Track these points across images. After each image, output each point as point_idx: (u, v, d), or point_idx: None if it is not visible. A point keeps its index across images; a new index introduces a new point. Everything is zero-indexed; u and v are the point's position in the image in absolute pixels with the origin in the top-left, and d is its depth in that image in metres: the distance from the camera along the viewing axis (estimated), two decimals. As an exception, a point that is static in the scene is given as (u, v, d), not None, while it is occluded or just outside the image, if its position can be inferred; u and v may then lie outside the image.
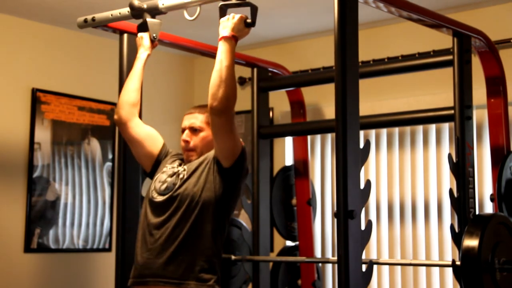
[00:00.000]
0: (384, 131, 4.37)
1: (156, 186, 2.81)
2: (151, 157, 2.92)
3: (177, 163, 2.88)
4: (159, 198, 2.76)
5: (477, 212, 3.03)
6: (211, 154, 2.78)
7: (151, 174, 2.93)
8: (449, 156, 3.02)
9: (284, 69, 4.10)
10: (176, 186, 2.74)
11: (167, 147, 2.97)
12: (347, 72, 2.45)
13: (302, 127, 4.10)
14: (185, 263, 2.65)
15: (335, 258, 2.75)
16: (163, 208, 2.73)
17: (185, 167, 2.81)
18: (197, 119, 2.85)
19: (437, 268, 4.05)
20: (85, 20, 3.10)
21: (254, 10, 2.69)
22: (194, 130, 2.85)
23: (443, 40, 3.51)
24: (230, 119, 2.63)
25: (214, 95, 2.59)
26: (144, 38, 2.97)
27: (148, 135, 2.92)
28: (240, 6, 2.70)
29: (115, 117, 2.95)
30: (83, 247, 4.58)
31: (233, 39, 2.65)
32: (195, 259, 2.65)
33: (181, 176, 2.77)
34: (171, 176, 2.80)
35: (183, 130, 2.88)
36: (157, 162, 2.92)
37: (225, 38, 2.65)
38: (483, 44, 3.23)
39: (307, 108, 4.22)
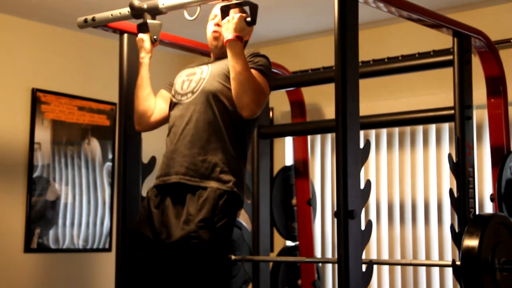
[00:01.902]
0: (384, 131, 4.37)
1: (176, 89, 2.84)
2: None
3: (191, 67, 2.90)
4: (183, 98, 2.79)
5: (477, 212, 3.02)
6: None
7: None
8: (449, 156, 3.02)
9: (284, 69, 4.10)
10: (199, 84, 2.77)
11: (168, 83, 2.98)
12: (347, 72, 2.45)
13: (302, 127, 4.10)
14: (206, 163, 2.68)
15: (335, 258, 2.76)
16: (186, 107, 2.76)
17: (209, 65, 2.83)
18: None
19: (437, 268, 4.05)
20: (85, 20, 3.10)
21: (253, 8, 2.69)
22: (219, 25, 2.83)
23: (443, 40, 3.51)
24: (261, 108, 2.70)
25: (240, 105, 2.66)
26: (145, 41, 2.96)
27: (165, 104, 2.94)
28: (240, 6, 2.71)
29: (137, 128, 2.99)
30: (83, 247, 4.58)
31: (238, 40, 2.66)
32: (215, 160, 2.68)
33: (203, 75, 2.80)
34: (190, 75, 2.84)
35: (213, 18, 2.88)
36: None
37: (229, 42, 2.66)
38: (483, 44, 3.23)
39: (307, 108, 4.22)
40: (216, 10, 2.88)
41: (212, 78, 2.76)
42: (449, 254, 4.02)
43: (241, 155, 2.77)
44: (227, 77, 2.73)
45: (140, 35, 2.98)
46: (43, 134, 4.44)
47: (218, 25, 2.84)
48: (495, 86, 3.40)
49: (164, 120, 2.95)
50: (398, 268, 4.21)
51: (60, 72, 4.60)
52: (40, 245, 4.37)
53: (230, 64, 2.65)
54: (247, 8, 2.71)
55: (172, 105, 2.85)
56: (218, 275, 2.63)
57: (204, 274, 2.60)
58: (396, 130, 4.32)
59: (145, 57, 2.97)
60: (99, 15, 3.07)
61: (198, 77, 2.80)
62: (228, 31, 2.67)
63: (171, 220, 2.66)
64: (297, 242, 4.11)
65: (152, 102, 2.94)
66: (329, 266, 4.49)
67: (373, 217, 4.35)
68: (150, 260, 2.70)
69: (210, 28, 2.88)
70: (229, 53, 2.66)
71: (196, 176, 2.67)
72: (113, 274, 3.13)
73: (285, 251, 4.16)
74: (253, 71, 2.68)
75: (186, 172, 2.69)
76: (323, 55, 4.55)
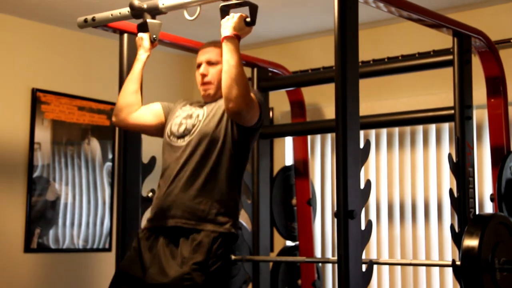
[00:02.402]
0: (384, 131, 4.37)
1: (172, 130, 2.83)
2: (161, 125, 2.93)
3: (189, 105, 2.89)
4: (179, 142, 2.78)
5: (477, 212, 3.03)
6: None
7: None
8: (449, 156, 3.02)
9: (284, 69, 4.10)
10: (195, 128, 2.77)
11: (167, 105, 2.97)
12: (347, 72, 2.45)
13: (302, 127, 4.10)
14: (203, 205, 2.67)
15: (335, 258, 2.75)
16: (182, 150, 2.75)
17: (204, 108, 2.82)
18: (213, 53, 2.84)
19: (437, 268, 4.05)
20: (85, 20, 3.10)
21: (253, 9, 2.70)
22: (210, 64, 2.84)
23: (443, 40, 3.51)
24: (248, 111, 2.65)
25: (228, 97, 2.61)
26: (144, 39, 2.97)
27: (151, 115, 2.93)
28: (240, 6, 2.71)
29: (113, 119, 2.95)
30: (83, 247, 4.58)
31: (235, 38, 2.66)
32: (212, 202, 2.68)
33: (199, 117, 2.79)
34: (186, 118, 2.82)
35: (198, 66, 2.86)
36: (168, 122, 2.93)
37: (227, 38, 2.66)
38: (483, 44, 3.23)
39: (307, 108, 4.22)
40: (201, 57, 2.86)
41: (208, 121, 2.76)
42: (449, 254, 4.02)
43: (238, 190, 2.76)
44: (222, 118, 2.73)
45: (140, 35, 2.98)
46: (43, 134, 4.43)
47: (205, 75, 2.83)
48: (495, 86, 3.40)
49: (141, 127, 2.93)
50: (398, 268, 4.21)
51: (60, 72, 4.60)
52: (40, 245, 4.37)
53: (225, 58, 2.64)
54: (246, 9, 2.72)
55: (166, 147, 2.83)
56: None
57: None
58: (396, 130, 4.32)
59: (142, 54, 2.97)
60: (99, 15, 3.07)
61: (194, 120, 2.79)
62: (227, 29, 2.67)
63: (164, 261, 2.65)
64: (297, 242, 4.11)
65: (136, 100, 2.92)
66: (329, 266, 4.49)
67: (373, 217, 4.35)
68: None
69: (198, 78, 2.86)
70: (224, 48, 2.65)
71: (192, 219, 2.67)
72: (113, 274, 3.12)
73: (285, 251, 4.16)
74: None
75: (183, 215, 2.68)
76: (323, 55, 4.55)
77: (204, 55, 2.85)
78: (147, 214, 2.86)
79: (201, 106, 2.86)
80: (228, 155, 2.72)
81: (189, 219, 2.67)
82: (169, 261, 2.64)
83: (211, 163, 2.70)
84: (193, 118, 2.81)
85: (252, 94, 2.68)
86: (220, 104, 2.77)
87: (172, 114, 2.91)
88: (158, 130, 2.94)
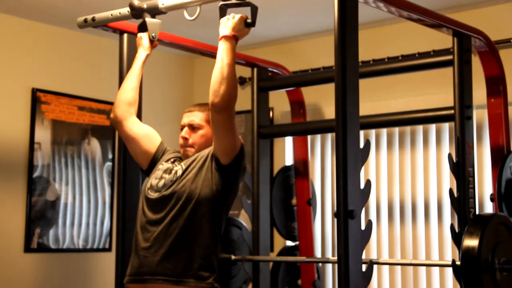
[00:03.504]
0: (384, 131, 4.37)
1: (152, 183, 2.80)
2: (147, 155, 2.92)
3: (171, 160, 2.88)
4: (155, 195, 2.75)
5: (477, 212, 3.03)
6: (206, 151, 2.78)
7: (148, 172, 2.94)
8: (449, 156, 3.02)
9: (284, 69, 4.10)
10: (173, 183, 2.74)
11: (164, 146, 2.96)
12: (347, 72, 2.45)
13: (302, 127, 4.10)
14: (183, 260, 2.64)
15: (335, 258, 2.75)
16: (160, 205, 2.72)
17: (182, 164, 2.81)
18: (197, 116, 2.86)
19: (437, 268, 4.05)
20: (85, 20, 3.10)
21: (254, 10, 2.70)
22: (193, 128, 2.86)
23: (443, 40, 3.51)
24: (230, 116, 2.64)
25: (215, 92, 2.60)
26: (143, 38, 2.98)
27: (145, 134, 2.92)
28: (240, 6, 2.71)
29: (111, 115, 2.95)
30: (83, 247, 4.58)
31: (233, 38, 2.66)
32: (193, 256, 2.65)
33: (178, 173, 2.76)
34: (166, 172, 2.80)
35: (182, 128, 2.88)
36: (154, 160, 2.92)
37: (225, 38, 2.66)
38: (483, 44, 3.23)
39: (307, 108, 4.22)
40: (185, 119, 2.88)
41: (186, 175, 2.73)
42: (449, 254, 4.02)
43: (217, 243, 2.73)
44: (199, 171, 2.72)
45: (139, 34, 2.99)
46: (43, 134, 4.44)
47: (186, 138, 2.84)
48: (495, 86, 3.40)
49: (130, 138, 2.90)
50: (398, 268, 4.21)
51: (60, 72, 4.60)
52: (40, 245, 4.37)
53: (219, 56, 2.64)
54: (247, 9, 2.72)
55: (145, 200, 2.79)
56: None
57: None
58: (396, 130, 4.32)
59: (141, 53, 2.98)
60: (99, 15, 3.07)
61: (172, 176, 2.77)
62: (226, 28, 2.67)
63: None
64: (297, 242, 4.11)
65: (134, 98, 2.92)
66: (329, 266, 4.49)
67: (373, 217, 4.35)
68: None
69: (180, 140, 2.88)
70: (221, 46, 2.65)
71: (173, 275, 2.63)
72: (113, 274, 3.13)
73: (285, 251, 4.16)
74: None
75: (163, 272, 2.64)
76: (323, 55, 4.55)
77: (188, 118, 2.88)
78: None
79: (180, 162, 2.84)
80: (207, 208, 2.69)
81: (170, 276, 2.63)
82: None
83: (190, 217, 2.67)
84: (171, 173, 2.78)
85: (237, 133, 2.69)
86: (199, 157, 2.76)
87: (160, 161, 2.89)
88: (141, 154, 2.91)
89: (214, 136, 2.70)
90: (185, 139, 2.85)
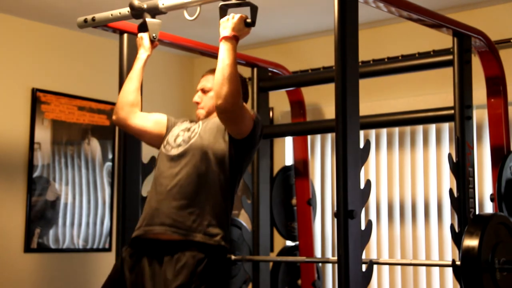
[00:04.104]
0: (384, 131, 4.37)
1: (169, 140, 2.86)
2: (160, 137, 2.95)
3: (188, 122, 2.95)
4: (173, 151, 2.79)
5: (477, 212, 3.03)
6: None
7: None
8: (449, 156, 3.02)
9: (284, 69, 4.10)
10: (191, 139, 2.79)
11: (172, 120, 2.99)
12: (347, 72, 2.45)
13: (302, 127, 4.10)
14: (194, 215, 2.66)
15: (335, 258, 2.75)
16: (177, 160, 2.76)
17: (200, 123, 2.86)
18: (209, 81, 2.91)
19: (437, 268, 4.05)
20: (85, 20, 3.10)
21: (254, 10, 2.70)
22: (204, 91, 2.92)
23: (443, 40, 3.51)
24: (237, 113, 2.66)
25: (218, 94, 2.62)
26: (144, 39, 2.97)
27: (153, 122, 2.95)
28: (240, 6, 2.70)
29: (113, 117, 2.96)
30: (83, 247, 4.58)
31: (234, 39, 2.66)
32: (203, 213, 2.67)
33: (196, 130, 2.82)
34: (184, 130, 2.86)
35: (196, 92, 2.96)
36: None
37: (225, 38, 2.66)
38: (483, 44, 3.23)
39: (307, 108, 4.22)
40: (199, 85, 2.94)
41: (204, 133, 2.78)
42: (449, 254, 4.02)
43: (230, 203, 2.76)
44: (218, 132, 2.76)
45: (140, 34, 2.99)
46: (43, 134, 4.44)
47: (198, 102, 2.92)
48: (495, 86, 3.40)
49: (139, 131, 2.93)
50: (398, 268, 4.21)
51: (60, 72, 4.60)
52: (40, 245, 4.37)
53: (220, 56, 2.65)
54: (247, 9, 2.71)
55: (160, 156, 2.84)
56: None
57: None
58: (396, 130, 4.32)
59: (142, 54, 2.98)
60: (99, 15, 3.07)
61: (190, 133, 2.82)
62: (226, 29, 2.67)
63: (146, 283, 2.62)
64: (297, 242, 4.11)
65: (136, 99, 2.93)
66: (329, 266, 4.49)
67: (373, 217, 4.35)
68: None
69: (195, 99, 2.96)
70: (222, 47, 2.66)
71: (182, 228, 2.65)
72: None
73: (285, 251, 4.16)
74: None
75: (173, 224, 2.66)
76: (323, 55, 4.55)
77: (201, 84, 2.95)
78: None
79: (198, 123, 2.90)
80: (222, 168, 2.73)
81: (179, 228, 2.65)
82: (151, 283, 2.61)
83: (204, 174, 2.71)
84: (190, 131, 2.84)
85: (246, 106, 2.72)
86: (216, 120, 2.79)
87: (172, 129, 2.94)
88: (154, 139, 2.95)
89: (221, 122, 2.74)
90: (197, 103, 2.93)
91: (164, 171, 2.77)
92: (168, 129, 2.96)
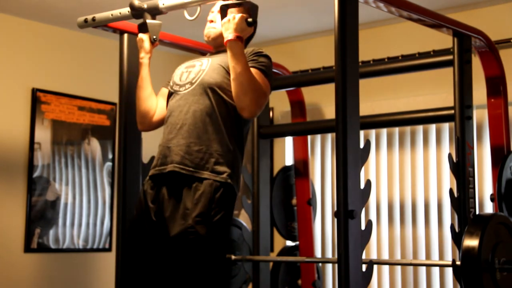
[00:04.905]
0: (384, 131, 4.37)
1: (175, 80, 2.86)
2: None
3: (192, 60, 2.92)
4: (181, 89, 2.79)
5: (477, 212, 3.03)
6: None
7: None
8: (449, 156, 3.02)
9: (284, 69, 4.10)
10: (198, 75, 2.78)
11: (168, 81, 2.97)
12: (347, 72, 2.45)
13: (302, 127, 4.10)
14: (201, 153, 2.68)
15: (335, 258, 2.75)
16: (185, 97, 2.76)
17: (209, 58, 2.84)
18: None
19: (437, 268, 4.05)
20: (85, 20, 3.10)
21: (254, 9, 2.70)
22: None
23: (443, 40, 3.51)
24: (262, 109, 2.70)
25: (240, 106, 2.66)
26: (144, 41, 2.96)
27: (165, 103, 2.94)
28: (241, 6, 2.70)
29: (140, 127, 2.98)
30: (83, 247, 4.58)
31: (238, 40, 2.66)
32: (211, 151, 2.68)
33: (203, 66, 2.81)
34: (189, 67, 2.86)
35: (210, 13, 2.92)
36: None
37: (230, 42, 2.66)
38: (483, 44, 3.23)
39: (307, 108, 4.22)
40: (215, 7, 2.90)
41: (212, 71, 2.77)
42: (449, 254, 4.02)
43: (238, 148, 2.77)
44: (226, 71, 2.74)
45: (140, 35, 2.98)
46: (43, 134, 4.44)
47: (212, 21, 2.88)
48: (495, 86, 3.40)
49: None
50: (398, 268, 4.21)
51: (60, 72, 4.60)
52: (40, 245, 4.37)
53: (231, 64, 2.65)
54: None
55: (170, 95, 2.86)
56: (216, 270, 2.63)
57: (203, 270, 2.60)
58: (396, 130, 4.32)
59: (144, 57, 2.97)
60: (99, 15, 3.07)
61: (198, 69, 2.81)
62: (228, 31, 2.67)
63: (167, 214, 2.67)
64: (297, 242, 4.11)
65: (154, 102, 2.95)
66: (329, 266, 4.49)
67: (373, 217, 4.35)
68: (149, 256, 2.71)
69: (206, 27, 2.92)
70: (229, 53, 2.66)
71: (190, 165, 2.67)
72: (113, 274, 3.13)
73: (285, 251, 4.16)
74: (254, 70, 2.69)
75: (181, 161, 2.68)
76: (323, 55, 4.55)
77: (215, 7, 2.90)
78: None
79: (206, 57, 2.88)
80: (230, 107, 2.73)
81: (187, 165, 2.67)
82: (172, 214, 2.65)
83: (212, 112, 2.71)
84: (195, 67, 2.83)
85: (262, 78, 2.69)
86: (225, 60, 2.76)
87: (174, 74, 2.94)
88: None
89: None
90: (210, 21, 2.89)
91: (173, 110, 2.78)
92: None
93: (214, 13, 2.88)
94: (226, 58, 2.75)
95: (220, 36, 2.81)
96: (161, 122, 2.95)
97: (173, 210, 2.66)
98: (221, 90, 2.72)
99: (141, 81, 2.96)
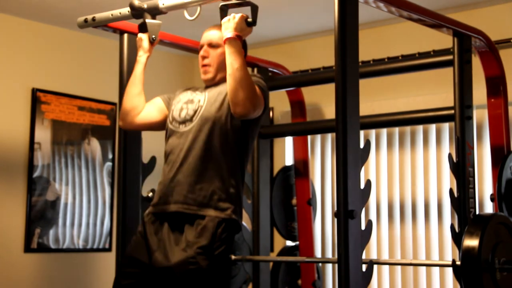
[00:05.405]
0: (384, 131, 4.37)
1: (174, 116, 2.84)
2: (166, 118, 2.94)
3: (190, 91, 2.91)
4: (181, 127, 2.79)
5: (477, 212, 3.03)
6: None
7: None
8: (449, 156, 3.02)
9: (284, 69, 4.10)
10: (197, 113, 2.78)
11: (166, 97, 2.97)
12: (347, 72, 2.45)
13: (302, 127, 4.10)
14: (204, 191, 2.69)
15: (335, 258, 2.76)
16: (185, 135, 2.76)
17: (205, 92, 2.83)
18: (215, 35, 2.85)
19: (437, 268, 4.05)
20: (85, 20, 3.10)
21: (254, 9, 2.70)
22: (211, 46, 2.85)
23: (443, 40, 3.51)
24: (255, 111, 2.67)
25: (234, 101, 2.63)
26: (143, 40, 2.97)
27: (155, 111, 2.94)
28: (241, 6, 2.71)
29: (120, 123, 2.97)
30: (83, 247, 4.58)
31: (237, 39, 2.66)
32: (213, 188, 2.69)
33: (200, 102, 2.80)
34: (187, 102, 2.84)
35: (200, 48, 2.89)
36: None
37: (229, 40, 2.66)
38: (483, 44, 3.23)
39: (307, 108, 4.22)
40: (204, 39, 2.88)
41: (210, 106, 2.77)
42: (449, 254, 4.02)
43: (240, 179, 2.78)
44: (223, 104, 2.74)
45: (139, 35, 2.99)
46: (43, 134, 4.44)
47: (205, 57, 2.85)
48: (495, 86, 3.40)
49: (149, 126, 2.95)
50: (398, 268, 4.21)
51: (60, 72, 4.60)
52: (40, 245, 4.37)
53: (228, 61, 2.64)
54: (248, 9, 2.72)
55: (169, 132, 2.85)
56: None
57: None
58: (396, 130, 4.32)
59: (142, 56, 2.97)
60: (99, 15, 3.07)
61: (196, 106, 2.81)
62: (228, 30, 2.68)
63: (168, 246, 2.67)
64: (297, 242, 4.11)
65: (141, 102, 2.93)
66: (329, 266, 4.49)
67: (373, 217, 4.35)
68: (141, 285, 2.70)
69: (199, 60, 2.89)
70: (227, 50, 2.66)
71: (194, 204, 2.69)
72: (113, 274, 3.12)
73: (285, 251, 4.16)
74: None
75: (185, 201, 2.70)
76: (323, 55, 4.55)
77: (206, 38, 2.87)
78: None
79: (202, 91, 2.87)
80: (230, 142, 2.73)
81: (191, 205, 2.69)
82: (173, 246, 2.66)
83: (213, 149, 2.72)
84: (194, 103, 2.82)
85: (256, 88, 2.68)
86: (221, 90, 2.78)
87: (173, 102, 2.93)
88: (163, 125, 2.95)
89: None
90: (204, 57, 2.85)
91: (173, 148, 2.78)
92: (168, 107, 2.94)
93: (205, 47, 2.86)
94: (221, 88, 2.77)
95: (217, 74, 2.83)
96: (143, 126, 2.94)
97: (175, 242, 2.66)
98: (221, 125, 2.73)
99: (133, 77, 2.96)
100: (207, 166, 2.71)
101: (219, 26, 2.83)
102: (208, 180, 2.70)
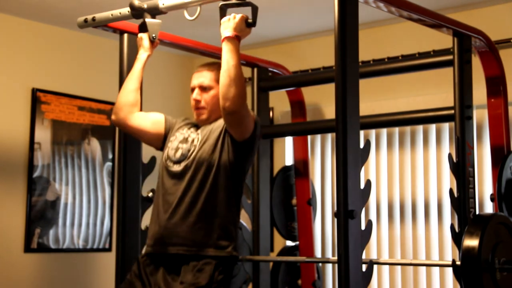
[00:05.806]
0: (384, 131, 4.37)
1: (169, 154, 2.84)
2: (159, 137, 2.95)
3: (186, 128, 2.91)
4: (176, 167, 2.79)
5: (477, 212, 3.03)
6: (221, 121, 2.79)
7: (163, 148, 2.96)
8: (449, 156, 3.02)
9: (284, 69, 4.10)
10: (191, 153, 2.78)
11: (170, 120, 2.98)
12: (347, 72, 2.45)
13: (302, 127, 4.10)
14: (203, 230, 2.69)
15: (335, 258, 2.75)
16: (180, 176, 2.76)
17: (198, 132, 2.84)
18: (206, 77, 2.86)
19: (437, 268, 4.05)
20: (85, 20, 3.10)
21: (254, 10, 2.70)
22: (203, 89, 2.86)
23: (443, 40, 3.51)
24: (243, 113, 2.67)
25: (225, 96, 2.62)
26: (143, 39, 2.97)
27: (151, 122, 2.94)
28: (241, 6, 2.71)
29: (113, 117, 2.95)
30: (83, 247, 4.58)
31: (236, 39, 2.66)
32: (212, 227, 2.70)
33: (194, 142, 2.81)
34: (182, 142, 2.84)
35: (192, 89, 2.89)
36: (166, 137, 2.95)
37: (228, 39, 2.66)
38: (483, 44, 3.23)
39: (307, 108, 4.22)
40: (194, 81, 2.88)
41: (203, 146, 2.78)
42: (449, 254, 4.02)
43: (236, 210, 2.78)
44: (218, 142, 2.76)
45: (140, 34, 2.99)
46: (43, 134, 4.44)
47: (198, 101, 2.86)
48: (495, 86, 3.40)
49: (137, 132, 2.93)
50: (398, 268, 4.21)
51: (60, 72, 4.60)
52: (40, 245, 4.37)
53: (225, 58, 2.65)
54: (248, 9, 2.71)
55: (163, 170, 2.84)
56: None
57: None
58: (396, 130, 4.32)
59: (142, 54, 2.98)
60: (99, 15, 3.07)
61: (190, 145, 2.81)
62: (227, 29, 2.68)
63: (165, 285, 2.67)
64: (297, 242, 4.11)
65: (136, 98, 2.93)
66: (329, 266, 4.49)
67: (373, 217, 4.35)
68: None
69: (192, 102, 2.89)
70: (225, 48, 2.66)
71: (194, 245, 2.69)
72: (113, 274, 3.13)
73: (285, 251, 4.16)
74: None
75: (184, 243, 2.70)
76: (323, 55, 4.55)
77: (198, 80, 2.88)
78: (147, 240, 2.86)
79: (196, 129, 2.88)
80: (225, 178, 2.74)
81: (190, 246, 2.69)
82: (171, 284, 2.66)
83: (209, 188, 2.72)
84: (188, 142, 2.83)
85: (248, 108, 2.70)
86: (214, 128, 2.80)
87: (171, 133, 2.93)
88: (153, 140, 2.95)
89: (226, 125, 2.73)
90: (197, 101, 2.86)
91: (168, 188, 2.78)
92: (167, 130, 2.95)
93: (197, 90, 2.86)
94: (213, 126, 2.79)
95: (211, 114, 2.84)
96: (132, 128, 2.92)
97: (172, 281, 2.67)
98: (215, 163, 2.74)
99: (132, 73, 2.97)
100: (204, 205, 2.71)
101: (209, 66, 2.86)
102: (206, 219, 2.70)
